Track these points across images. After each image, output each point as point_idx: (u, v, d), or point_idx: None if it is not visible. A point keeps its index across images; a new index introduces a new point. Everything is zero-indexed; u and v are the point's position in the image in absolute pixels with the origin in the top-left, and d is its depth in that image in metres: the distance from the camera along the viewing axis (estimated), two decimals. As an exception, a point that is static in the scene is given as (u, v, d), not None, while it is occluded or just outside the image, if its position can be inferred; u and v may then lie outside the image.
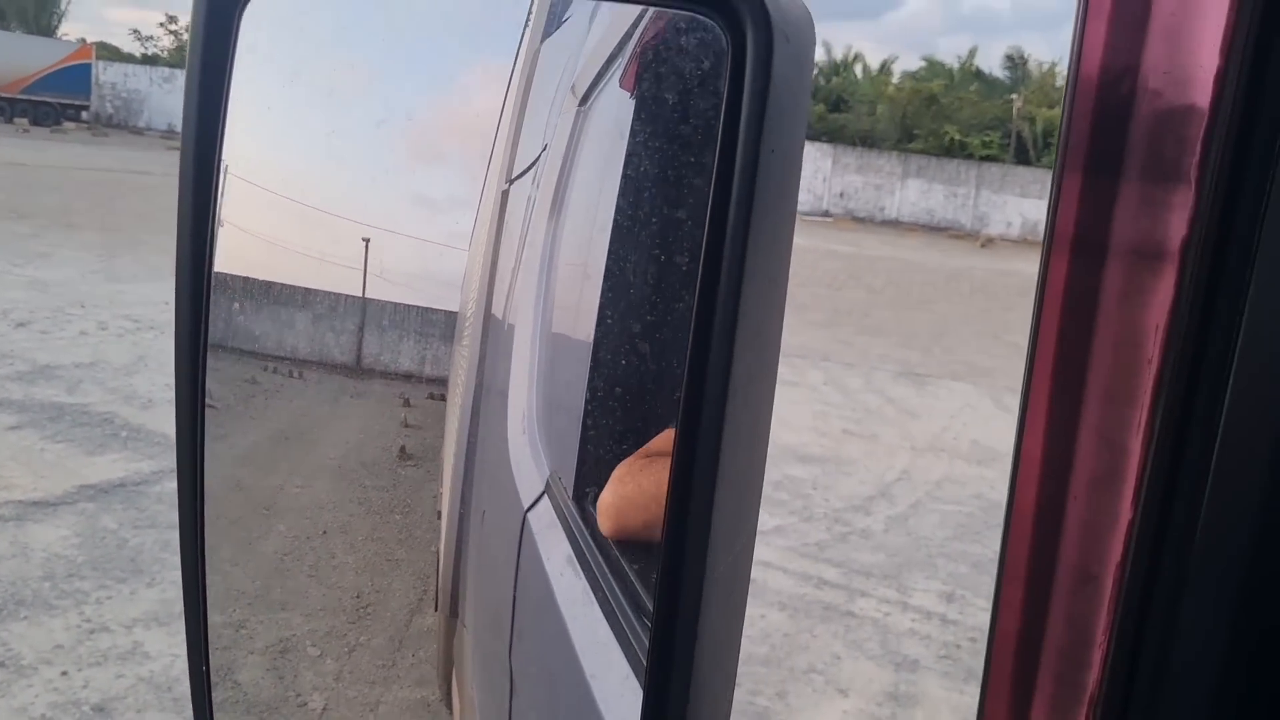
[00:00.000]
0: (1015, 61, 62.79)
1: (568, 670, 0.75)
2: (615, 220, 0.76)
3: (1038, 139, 56.59)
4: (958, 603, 6.14)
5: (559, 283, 0.94)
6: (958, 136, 54.26)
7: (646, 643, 0.67)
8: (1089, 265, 0.51)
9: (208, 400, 0.86)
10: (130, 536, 5.82)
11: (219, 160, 0.71)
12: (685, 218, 0.64)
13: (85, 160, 33.94)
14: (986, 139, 55.17)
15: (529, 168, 1.02)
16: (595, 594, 0.74)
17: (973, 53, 70.11)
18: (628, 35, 0.78)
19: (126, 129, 57.25)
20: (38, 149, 36.86)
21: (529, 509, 0.90)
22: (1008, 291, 25.64)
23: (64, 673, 4.43)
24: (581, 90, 0.94)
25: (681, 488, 0.49)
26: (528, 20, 0.97)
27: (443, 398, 1.16)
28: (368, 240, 0.95)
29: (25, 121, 50.82)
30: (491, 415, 1.03)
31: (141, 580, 5.31)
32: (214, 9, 0.68)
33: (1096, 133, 0.51)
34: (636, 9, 0.74)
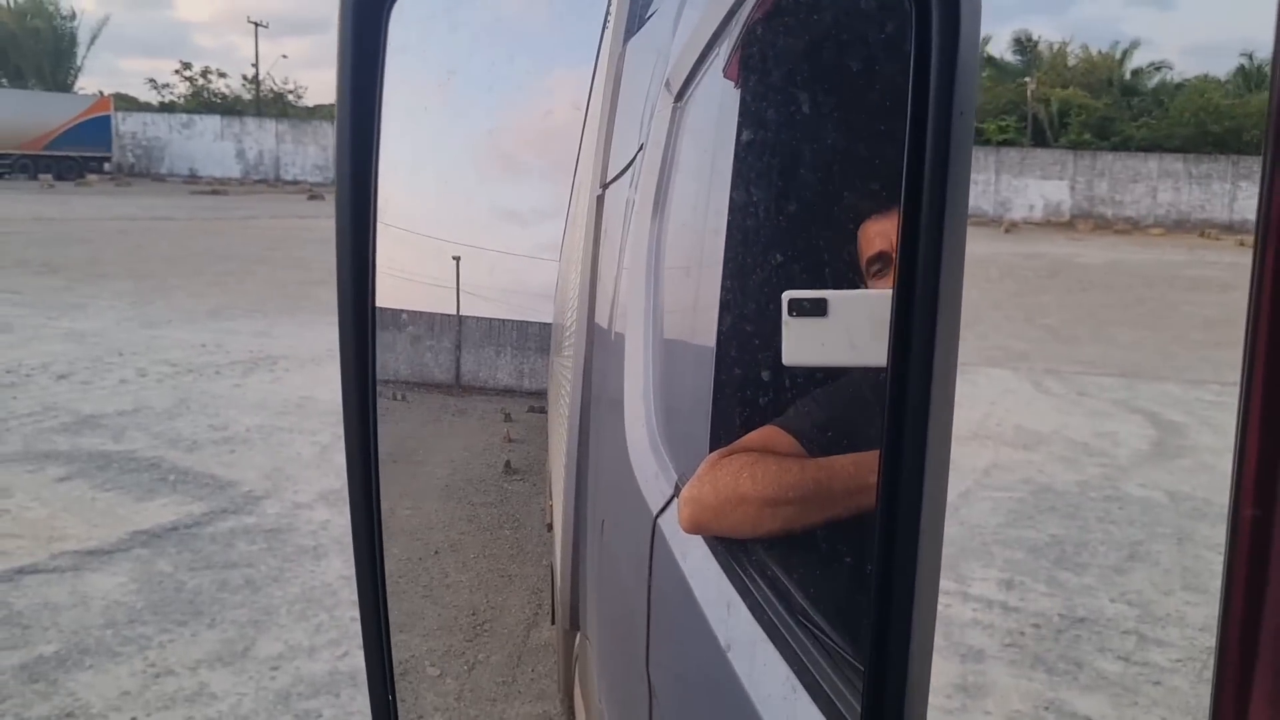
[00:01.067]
0: (1025, 45, 62.48)
1: (718, 674, 0.73)
2: (730, 215, 0.74)
3: (1054, 120, 56.24)
4: (1017, 589, 6.07)
5: (668, 286, 0.92)
6: (974, 123, 54.00)
7: (803, 638, 0.65)
8: None
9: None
10: (187, 579, 5.85)
11: (375, 163, 0.69)
12: (815, 200, 0.63)
13: (110, 210, 34.34)
14: (1003, 124, 54.88)
15: (624, 170, 1.00)
16: (741, 594, 0.72)
17: (986, 40, 69.65)
18: (723, 26, 0.76)
19: (149, 177, 57.87)
20: (63, 202, 37.33)
21: (659, 514, 0.88)
22: (1036, 275, 25.46)
23: (133, 719, 4.44)
24: (677, 86, 0.92)
25: (891, 477, 0.48)
26: (605, 24, 0.96)
27: (543, 410, 1.15)
28: (458, 258, 0.94)
29: (49, 177, 51.51)
30: (604, 424, 1.01)
31: (202, 622, 5.33)
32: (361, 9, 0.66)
33: None
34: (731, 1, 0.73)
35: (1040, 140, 55.34)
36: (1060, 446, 9.47)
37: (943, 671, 4.98)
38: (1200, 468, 8.82)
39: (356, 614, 4.21)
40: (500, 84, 0.89)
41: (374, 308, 0.76)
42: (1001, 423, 10.17)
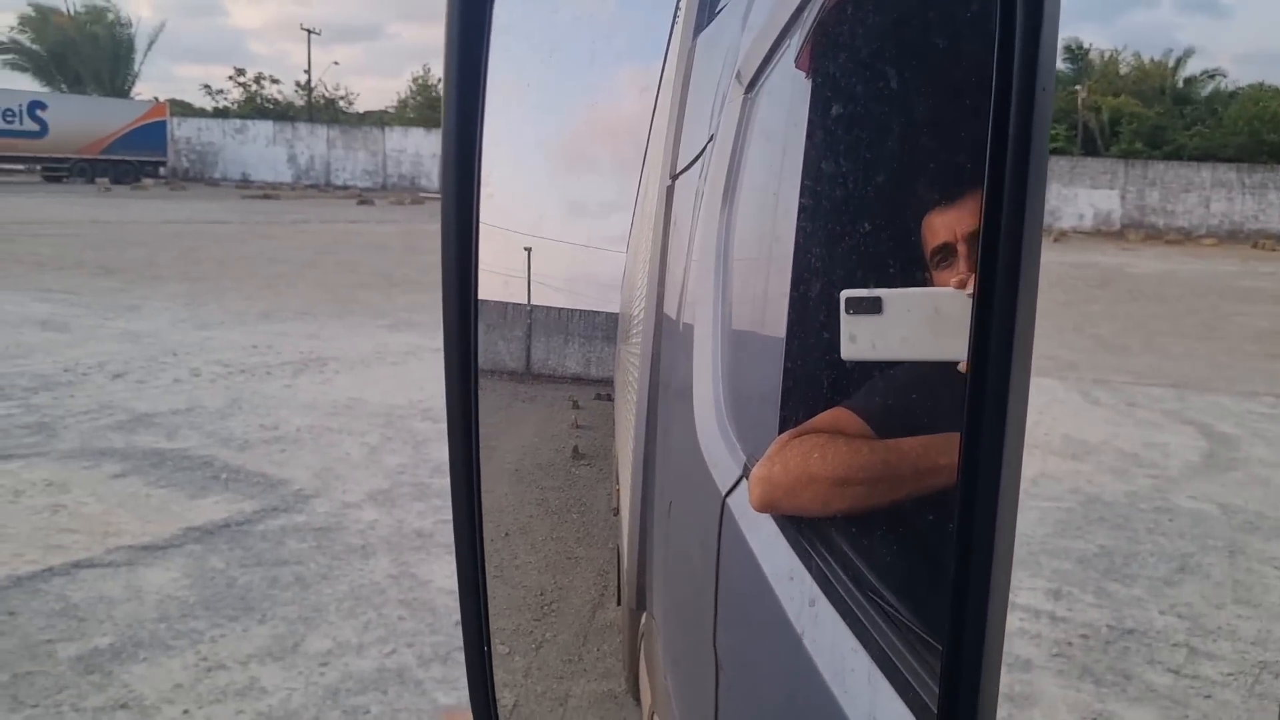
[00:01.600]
0: (1075, 53, 61.78)
1: (785, 647, 0.75)
2: (799, 205, 0.76)
3: (1104, 128, 55.62)
4: (1065, 599, 6.01)
5: (737, 275, 0.94)
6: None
7: (870, 611, 0.67)
8: None
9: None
10: (238, 575, 5.93)
11: (479, 152, 0.71)
12: (884, 190, 0.64)
13: (165, 214, 34.91)
14: (1053, 132, 54.33)
15: (693, 162, 1.03)
16: (809, 570, 0.74)
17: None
18: (796, 16, 0.78)
19: (203, 181, 58.76)
20: (119, 206, 38.00)
21: (728, 494, 0.90)
22: (1086, 284, 25.17)
23: (185, 711, 4.51)
24: (747, 78, 0.94)
25: (970, 466, 0.50)
26: (675, 19, 0.98)
27: (609, 398, 1.18)
28: (529, 249, 0.96)
29: (106, 181, 52.45)
30: (672, 409, 1.04)
31: (253, 617, 5.40)
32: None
33: None
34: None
35: (1091, 149, 54.78)
36: (1110, 457, 9.36)
37: (989, 680, 4.94)
38: (1253, 480, 8.68)
39: (403, 613, 4.24)
40: (578, 79, 0.92)
41: (476, 299, 0.78)
42: (1050, 432, 10.07)
